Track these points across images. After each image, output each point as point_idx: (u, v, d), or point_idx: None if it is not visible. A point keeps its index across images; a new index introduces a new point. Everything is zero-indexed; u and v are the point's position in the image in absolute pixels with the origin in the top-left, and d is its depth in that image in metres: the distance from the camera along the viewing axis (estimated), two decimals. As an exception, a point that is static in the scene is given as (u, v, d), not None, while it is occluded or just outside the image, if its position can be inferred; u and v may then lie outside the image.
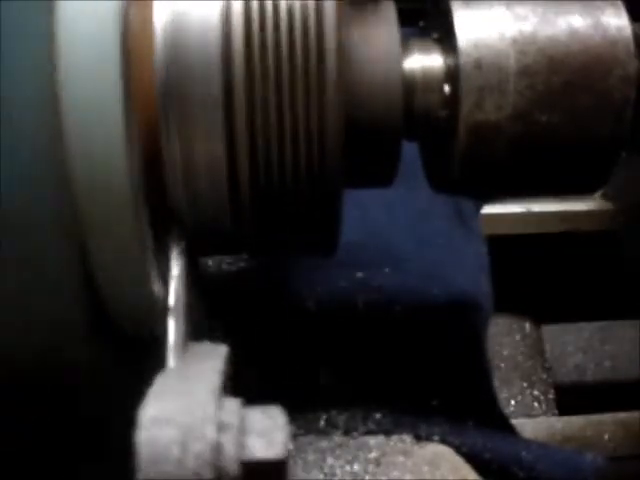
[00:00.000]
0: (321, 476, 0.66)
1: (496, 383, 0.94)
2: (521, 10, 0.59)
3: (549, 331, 1.21)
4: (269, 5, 0.52)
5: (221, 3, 0.53)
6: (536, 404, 1.12)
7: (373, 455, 0.69)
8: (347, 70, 0.55)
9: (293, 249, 0.63)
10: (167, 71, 0.52)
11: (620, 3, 0.60)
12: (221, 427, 0.46)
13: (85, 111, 0.48)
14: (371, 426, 0.75)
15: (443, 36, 0.61)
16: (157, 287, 0.54)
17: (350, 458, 0.68)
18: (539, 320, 1.20)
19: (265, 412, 0.48)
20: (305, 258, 0.74)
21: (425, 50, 0.60)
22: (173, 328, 0.52)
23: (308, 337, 0.80)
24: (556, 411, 1.12)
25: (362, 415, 0.76)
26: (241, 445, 0.46)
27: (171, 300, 0.53)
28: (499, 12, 0.58)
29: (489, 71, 0.57)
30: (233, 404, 0.47)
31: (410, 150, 0.63)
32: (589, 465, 0.80)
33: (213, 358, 0.52)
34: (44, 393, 0.54)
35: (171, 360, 0.51)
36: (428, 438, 0.73)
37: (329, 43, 0.52)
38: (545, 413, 1.11)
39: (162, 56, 0.52)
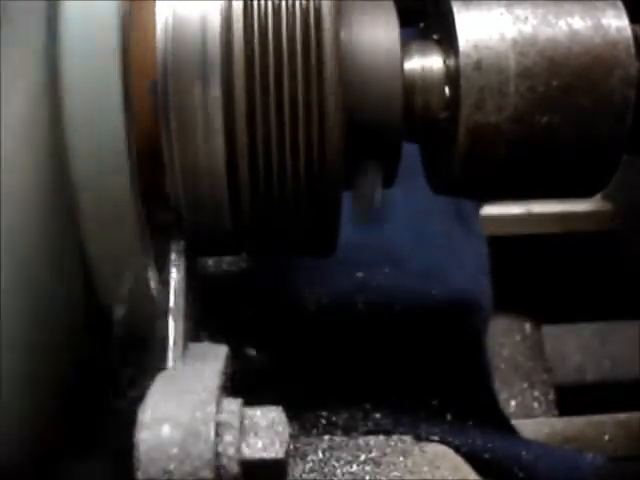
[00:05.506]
0: (321, 476, 0.66)
1: (496, 383, 0.94)
2: (521, 12, 0.58)
3: (549, 331, 1.21)
4: (269, 6, 0.53)
5: (221, 3, 0.53)
6: (536, 404, 1.12)
7: (373, 455, 0.69)
8: (347, 71, 0.55)
9: (292, 249, 0.63)
10: (167, 71, 0.52)
11: (620, 4, 0.60)
12: (221, 427, 0.46)
13: (86, 111, 0.48)
14: (371, 426, 0.75)
15: (443, 37, 0.61)
16: (156, 287, 0.54)
17: (350, 458, 0.68)
18: (539, 320, 1.20)
19: (265, 412, 0.48)
20: (305, 258, 0.74)
21: (425, 51, 0.60)
22: (173, 328, 0.52)
23: (308, 337, 0.80)
24: (556, 411, 1.12)
25: (362, 415, 0.76)
26: (241, 445, 0.46)
27: (171, 300, 0.53)
28: (499, 13, 0.58)
29: (489, 72, 0.57)
30: (233, 404, 0.48)
31: (410, 150, 0.63)
32: (589, 465, 0.80)
33: (213, 358, 0.52)
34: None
35: (171, 360, 0.51)
36: (428, 438, 0.73)
37: (329, 44, 0.52)
38: (545, 413, 1.11)
39: (162, 56, 0.52)
